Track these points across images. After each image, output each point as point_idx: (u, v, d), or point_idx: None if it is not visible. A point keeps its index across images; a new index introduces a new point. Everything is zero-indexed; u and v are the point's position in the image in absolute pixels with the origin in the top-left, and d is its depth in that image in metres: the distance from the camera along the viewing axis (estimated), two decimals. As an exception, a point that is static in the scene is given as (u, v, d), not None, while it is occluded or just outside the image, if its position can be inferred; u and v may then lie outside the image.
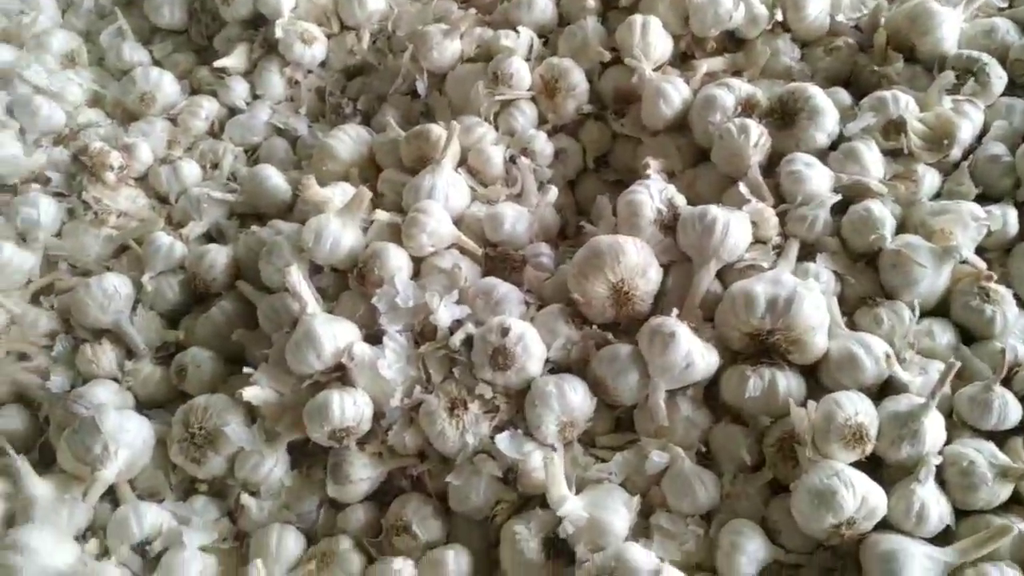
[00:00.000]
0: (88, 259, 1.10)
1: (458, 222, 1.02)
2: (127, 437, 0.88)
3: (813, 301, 0.87)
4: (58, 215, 1.11)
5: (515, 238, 1.02)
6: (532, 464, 0.87)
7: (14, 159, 1.12)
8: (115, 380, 1.01)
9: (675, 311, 0.89)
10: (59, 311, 1.06)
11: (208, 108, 1.26)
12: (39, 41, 1.27)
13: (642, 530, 0.86)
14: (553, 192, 1.07)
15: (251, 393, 0.90)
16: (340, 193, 1.06)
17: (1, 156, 1.11)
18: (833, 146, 1.05)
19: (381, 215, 0.99)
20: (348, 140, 1.15)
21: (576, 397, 0.88)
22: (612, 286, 0.91)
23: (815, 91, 1.05)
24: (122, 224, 1.12)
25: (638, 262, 0.92)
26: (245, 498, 0.92)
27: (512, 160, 1.10)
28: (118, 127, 1.23)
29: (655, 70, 1.12)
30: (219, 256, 1.06)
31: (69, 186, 1.13)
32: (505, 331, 0.89)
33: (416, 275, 0.98)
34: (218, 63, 1.28)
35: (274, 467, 0.92)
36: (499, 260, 1.02)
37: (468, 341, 0.92)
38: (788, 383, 0.88)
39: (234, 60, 1.28)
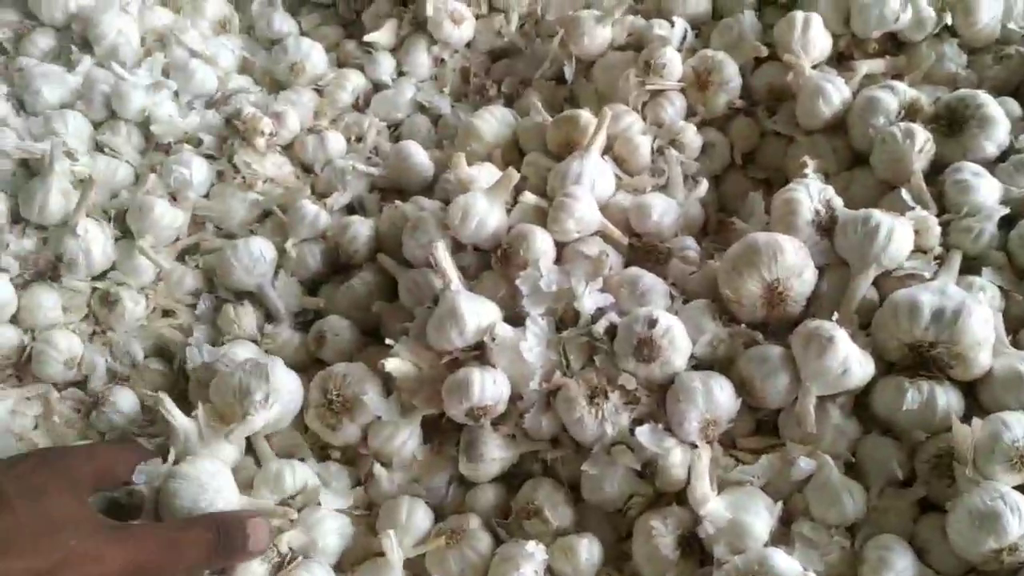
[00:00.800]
0: (233, 222, 1.15)
1: (602, 210, 1.03)
2: (285, 394, 0.91)
3: (981, 315, 0.85)
4: (208, 177, 1.16)
5: (662, 229, 1.02)
6: (672, 460, 0.87)
7: (170, 120, 1.17)
8: (254, 342, 1.06)
9: (835, 315, 0.89)
10: (204, 270, 1.12)
11: (355, 82, 1.30)
12: (195, 6, 1.33)
13: (780, 536, 0.86)
14: (704, 186, 1.07)
15: (392, 364, 0.92)
16: (486, 173, 1.08)
17: (158, 116, 1.17)
18: (1001, 158, 1.04)
19: (529, 197, 1.01)
20: (493, 121, 1.18)
21: (722, 396, 0.88)
22: (766, 285, 0.90)
23: (987, 99, 1.03)
24: (268, 190, 1.16)
25: (795, 262, 0.91)
26: (377, 468, 0.95)
27: (660, 151, 1.11)
28: (267, 95, 1.29)
29: (812, 68, 1.12)
30: (362, 228, 1.09)
31: (220, 149, 1.18)
32: (652, 323, 0.90)
33: (558, 260, 1.00)
34: (367, 38, 1.32)
35: (407, 440, 0.95)
36: (643, 251, 1.02)
37: (611, 330, 0.93)
38: (948, 398, 0.86)
39: (382, 36, 1.32)
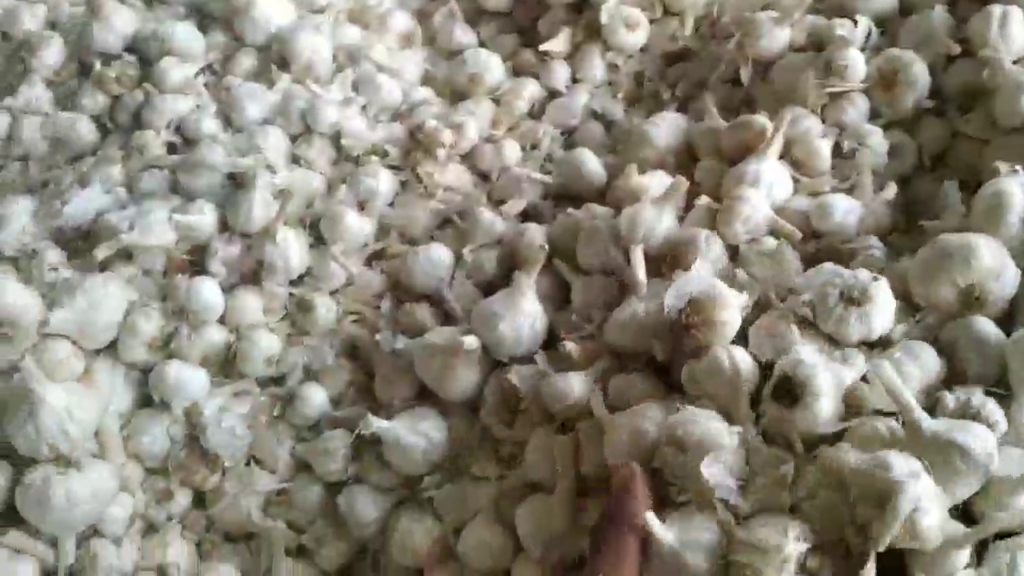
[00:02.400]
0: (416, 229, 1.26)
1: (779, 213, 1.06)
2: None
3: None
4: (393, 187, 1.27)
5: (844, 229, 1.04)
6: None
7: (359, 133, 1.31)
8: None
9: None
10: (388, 274, 1.24)
11: (531, 90, 1.39)
12: (381, 21, 1.46)
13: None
14: (892, 189, 1.07)
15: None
16: (657, 181, 1.15)
17: (348, 129, 1.30)
18: None
19: (704, 200, 1.06)
20: (664, 127, 1.23)
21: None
22: (961, 290, 0.89)
23: None
24: (447, 198, 1.28)
25: (992, 264, 0.88)
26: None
27: (843, 154, 1.13)
28: (447, 106, 1.41)
29: (1012, 64, 1.11)
30: (537, 235, 1.17)
31: (404, 160, 1.31)
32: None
33: (733, 261, 1.05)
34: (543, 47, 1.40)
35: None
36: (825, 252, 1.03)
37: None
38: None
39: (557, 44, 1.40)
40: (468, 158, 1.33)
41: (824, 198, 1.06)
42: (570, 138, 1.38)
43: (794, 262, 1.02)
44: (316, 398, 1.17)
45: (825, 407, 0.81)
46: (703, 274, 0.97)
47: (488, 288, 1.21)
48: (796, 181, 1.12)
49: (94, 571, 1.05)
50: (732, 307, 0.92)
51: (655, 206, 1.07)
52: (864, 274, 0.89)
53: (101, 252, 1.13)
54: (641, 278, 1.00)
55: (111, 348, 1.14)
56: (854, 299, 0.89)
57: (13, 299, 1.05)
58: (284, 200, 1.17)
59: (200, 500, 1.17)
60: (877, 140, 1.14)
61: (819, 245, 1.05)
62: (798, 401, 0.81)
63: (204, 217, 1.19)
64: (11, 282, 1.07)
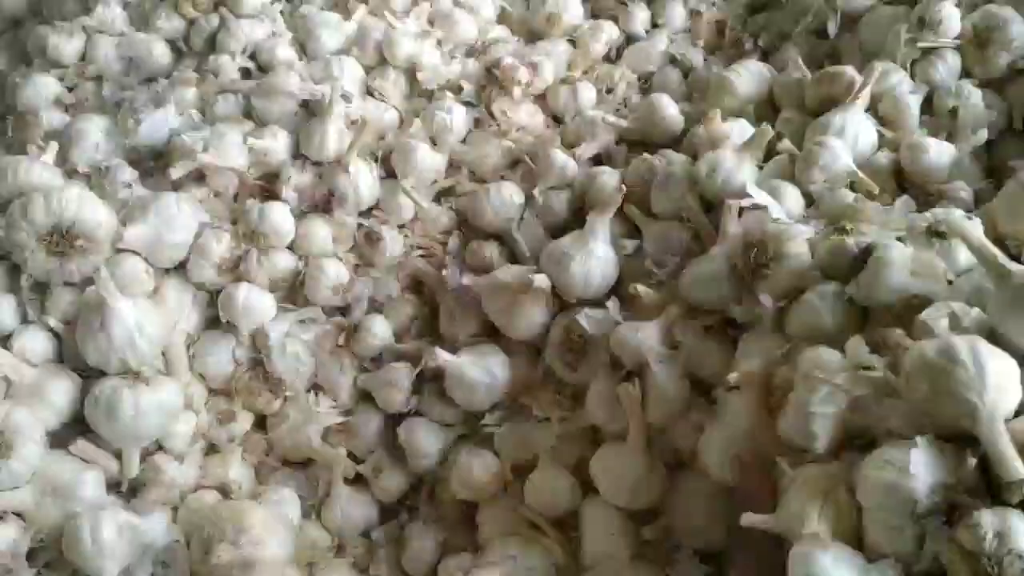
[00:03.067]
0: (487, 167, 1.26)
1: (861, 167, 1.05)
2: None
3: None
4: (466, 123, 1.27)
5: (932, 172, 1.03)
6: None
7: (435, 67, 1.30)
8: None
9: None
10: (456, 211, 1.24)
11: (609, 33, 1.38)
12: (459, -44, 1.47)
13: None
14: (983, 134, 1.07)
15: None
16: (738, 129, 1.14)
17: (425, 63, 1.30)
18: None
19: (786, 144, 1.05)
20: (747, 76, 1.22)
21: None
22: None
23: None
24: (519, 138, 1.27)
25: None
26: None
27: (945, 111, 1.11)
28: (523, 45, 1.40)
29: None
30: (611, 179, 1.16)
31: (478, 97, 1.30)
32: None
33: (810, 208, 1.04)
34: (631, -10, 1.40)
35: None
36: (912, 194, 1.03)
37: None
38: None
39: (639, -14, 1.40)
40: (542, 99, 1.33)
41: (916, 139, 1.05)
42: (647, 84, 1.37)
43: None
44: (380, 329, 1.18)
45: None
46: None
47: (556, 231, 1.21)
48: (881, 137, 1.10)
49: (157, 484, 1.07)
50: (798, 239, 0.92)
51: (737, 154, 1.06)
52: (957, 211, 0.87)
53: (176, 171, 1.15)
54: (734, 229, 0.99)
55: (180, 268, 1.16)
56: (941, 232, 0.87)
57: (92, 213, 1.06)
58: (359, 130, 1.17)
59: (261, 424, 1.18)
60: (975, 99, 1.11)
61: (908, 187, 1.04)
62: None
63: (278, 143, 1.20)
64: (91, 195, 1.08)
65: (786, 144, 1.04)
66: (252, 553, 0.94)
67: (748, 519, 0.72)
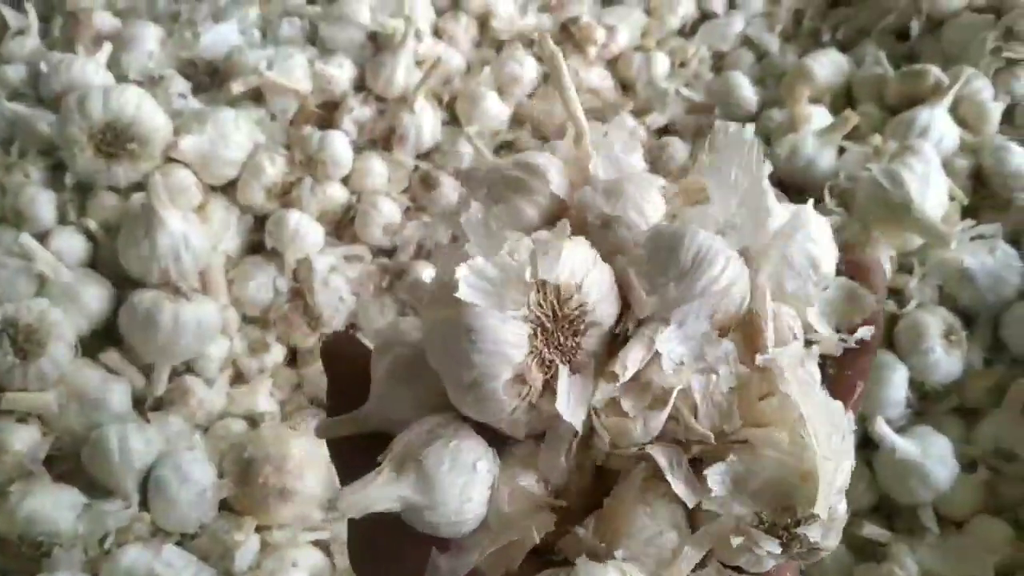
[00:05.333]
0: (551, 125, 1.26)
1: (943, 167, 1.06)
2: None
3: None
4: (536, 78, 1.27)
5: (1015, 177, 1.03)
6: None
7: (509, 17, 1.29)
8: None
9: None
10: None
11: (686, 7, 1.37)
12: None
13: None
14: None
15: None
16: (817, 115, 1.14)
17: (499, 12, 1.29)
18: None
19: (876, 139, 1.06)
20: (829, 64, 1.22)
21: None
22: None
23: None
24: (588, 100, 1.27)
25: None
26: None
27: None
28: (599, 7, 1.39)
29: None
30: (680, 151, 1.17)
31: (550, 53, 1.30)
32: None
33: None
34: (704, -34, 1.40)
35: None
36: (982, 198, 1.05)
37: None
38: None
39: (721, -36, 1.40)
40: (614, 64, 1.32)
41: (1002, 142, 1.05)
42: (720, 62, 1.37)
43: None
44: (426, 276, 1.16)
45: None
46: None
47: (616, 199, 1.21)
48: (963, 140, 1.11)
49: (183, 405, 1.05)
50: None
51: (819, 139, 1.06)
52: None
53: (237, 86, 1.13)
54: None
55: (229, 188, 1.13)
56: None
57: (151, 116, 1.04)
58: (430, 69, 1.16)
59: (293, 359, 1.16)
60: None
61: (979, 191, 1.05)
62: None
63: (343, 72, 1.18)
64: (149, 98, 1.05)
65: (876, 139, 1.04)
66: (293, 483, 0.92)
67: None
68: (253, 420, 1.08)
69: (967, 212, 1.04)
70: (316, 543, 1.00)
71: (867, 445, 0.96)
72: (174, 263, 1.01)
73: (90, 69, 1.12)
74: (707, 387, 0.36)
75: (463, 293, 0.33)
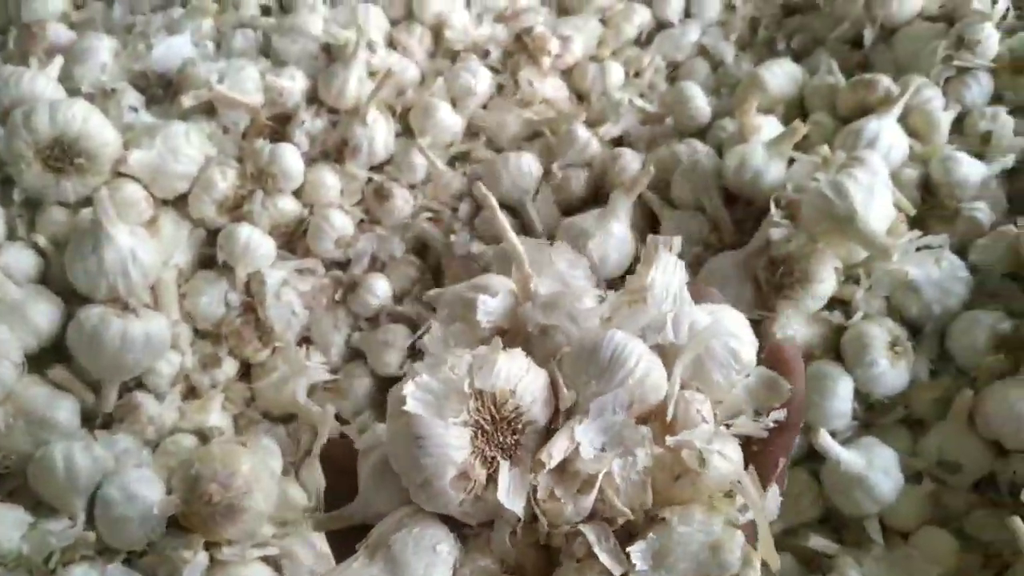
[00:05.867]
0: (505, 136, 1.25)
1: (892, 178, 1.06)
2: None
3: None
4: (490, 88, 1.26)
5: (962, 187, 1.04)
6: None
7: (463, 27, 1.29)
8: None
9: None
10: (470, 177, 1.22)
11: (642, 16, 1.37)
12: (493, -78, 1.45)
13: None
14: (1010, 158, 1.06)
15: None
16: (768, 126, 1.14)
17: (453, 23, 1.29)
18: None
19: (823, 151, 1.06)
20: (781, 75, 1.21)
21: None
22: None
23: None
24: (542, 111, 1.26)
25: None
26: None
27: (978, 133, 1.13)
28: (554, 17, 1.39)
29: None
30: (633, 162, 1.16)
31: (504, 64, 1.30)
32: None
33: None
34: (660, -25, 1.40)
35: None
36: (929, 207, 1.05)
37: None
38: None
39: (676, -26, 1.40)
40: (569, 74, 1.32)
41: (950, 152, 1.06)
42: (674, 72, 1.37)
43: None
44: (380, 289, 1.16)
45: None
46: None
47: (570, 209, 1.21)
48: (912, 150, 1.11)
49: (133, 422, 1.04)
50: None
51: (768, 149, 1.06)
52: None
53: (188, 99, 1.12)
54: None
55: (180, 201, 1.13)
56: None
57: (99, 131, 1.04)
58: (382, 80, 1.15)
59: (246, 373, 1.16)
60: (1009, 125, 1.13)
61: (927, 202, 1.06)
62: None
63: (295, 84, 1.18)
64: (97, 113, 1.05)
65: (824, 150, 1.04)
66: (241, 500, 0.92)
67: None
68: (204, 435, 1.08)
69: (915, 222, 1.05)
70: (266, 559, 0.99)
71: (814, 457, 0.95)
72: (122, 278, 1.01)
73: (40, 83, 1.11)
74: (626, 469, 0.41)
75: (410, 406, 0.40)
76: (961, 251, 1.02)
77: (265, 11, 1.27)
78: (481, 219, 1.18)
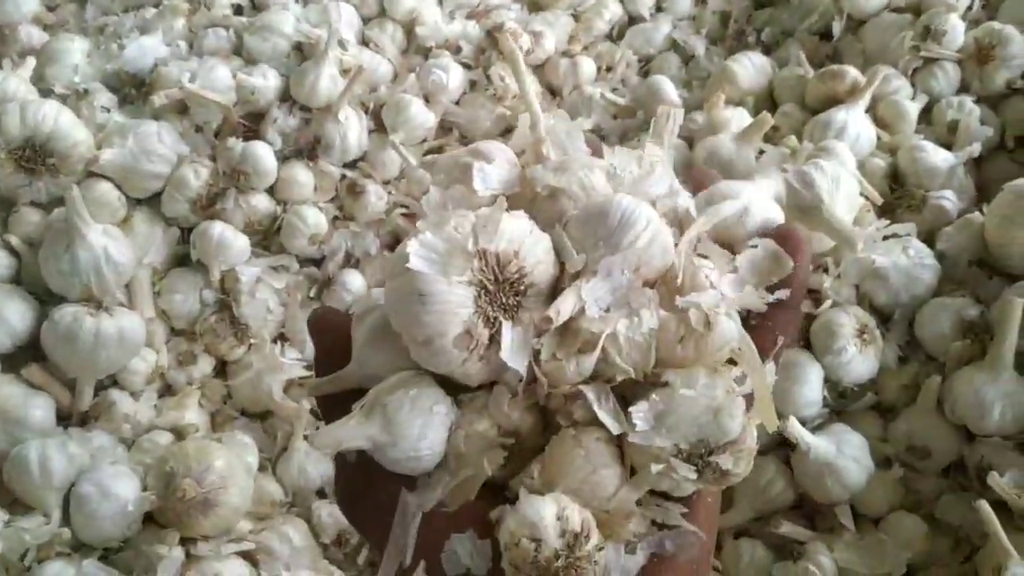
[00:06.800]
0: (478, 131, 1.25)
1: (859, 167, 1.07)
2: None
3: None
4: (462, 84, 1.26)
5: (929, 175, 1.04)
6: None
7: (435, 24, 1.29)
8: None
9: None
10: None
11: (613, 11, 1.37)
12: (465, -83, 1.45)
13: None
14: (977, 147, 1.08)
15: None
16: (737, 118, 1.15)
17: (426, 19, 1.29)
18: None
19: (791, 142, 1.07)
20: (751, 67, 1.22)
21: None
22: None
23: None
24: (514, 106, 1.27)
25: None
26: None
27: (945, 122, 1.13)
28: (526, 13, 1.39)
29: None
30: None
31: (476, 60, 1.30)
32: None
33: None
34: (632, -31, 1.40)
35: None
36: (897, 197, 1.06)
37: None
38: None
39: (647, -32, 1.40)
40: (541, 70, 1.32)
41: (917, 141, 1.06)
42: (646, 66, 1.37)
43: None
44: (354, 285, 1.17)
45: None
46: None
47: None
48: (878, 139, 1.12)
49: (109, 420, 1.04)
50: None
51: (736, 141, 1.07)
52: None
53: (159, 98, 1.12)
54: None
55: (154, 200, 1.13)
56: None
57: (70, 130, 1.03)
58: (353, 77, 1.15)
59: (222, 370, 1.16)
60: (975, 114, 1.13)
61: (894, 188, 1.06)
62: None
63: (267, 82, 1.17)
64: (68, 112, 1.05)
65: (792, 141, 1.05)
66: (215, 495, 0.92)
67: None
68: (181, 433, 1.08)
69: (883, 211, 1.05)
70: (242, 554, 0.99)
71: (785, 444, 0.96)
72: (95, 277, 1.01)
73: (12, 84, 1.11)
74: (631, 329, 0.41)
75: (413, 263, 0.39)
76: (929, 239, 1.02)
77: (237, 10, 1.26)
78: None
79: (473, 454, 0.42)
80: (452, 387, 0.42)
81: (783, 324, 0.45)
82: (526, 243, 0.41)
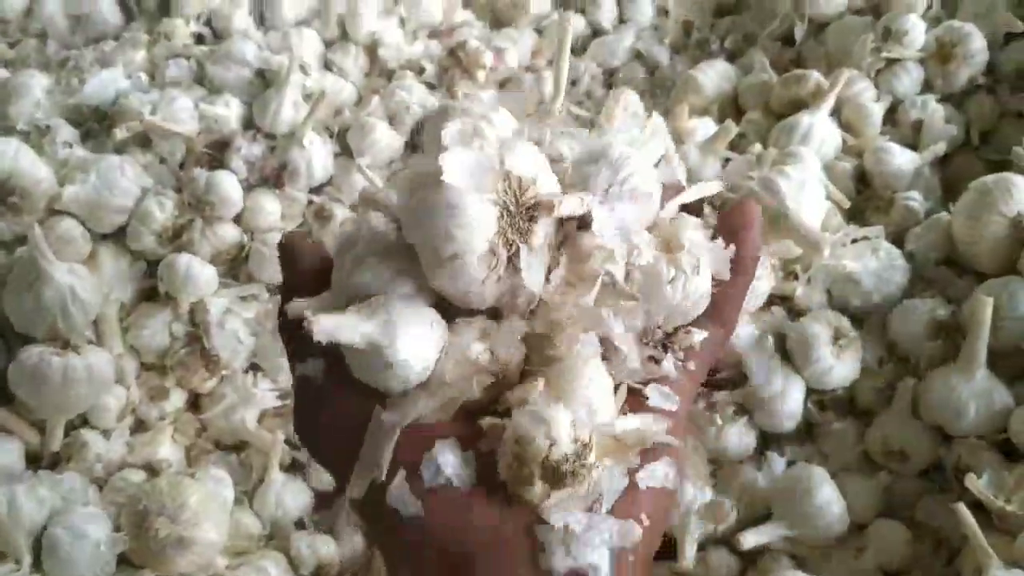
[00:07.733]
0: (443, 151, 1.25)
1: (825, 170, 1.07)
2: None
3: None
4: (426, 105, 1.27)
5: (895, 177, 1.05)
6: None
7: (397, 46, 1.28)
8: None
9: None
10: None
11: (575, 24, 1.38)
12: (424, -62, 1.45)
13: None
14: (941, 146, 1.08)
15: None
16: (702, 127, 1.14)
17: (387, 40, 1.28)
18: None
19: (756, 149, 1.06)
20: (714, 75, 1.22)
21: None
22: (1010, 222, 0.91)
23: None
24: (480, 123, 1.26)
25: None
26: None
27: (909, 122, 1.13)
28: (488, 30, 1.39)
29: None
30: (571, 169, 1.17)
31: (440, 79, 1.30)
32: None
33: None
34: (593, -18, 1.40)
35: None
36: (864, 199, 1.06)
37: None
38: None
39: (607, -20, 1.40)
40: (505, 86, 1.32)
41: (883, 143, 1.06)
42: (611, 78, 1.37)
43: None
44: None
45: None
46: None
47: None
48: (845, 143, 1.11)
49: (81, 460, 1.02)
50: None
51: (700, 151, 1.06)
52: None
53: (121, 131, 1.11)
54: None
55: (119, 234, 1.11)
56: None
57: (31, 168, 1.02)
58: (315, 103, 1.14)
59: (195, 403, 1.14)
60: (939, 113, 1.13)
61: (862, 191, 1.07)
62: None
63: (230, 111, 1.16)
64: (27, 150, 1.03)
65: (757, 148, 1.04)
66: (190, 532, 0.90)
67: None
68: (154, 469, 1.06)
69: (851, 214, 1.05)
70: (220, 590, 0.97)
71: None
72: (62, 316, 0.99)
73: (-28, 123, 1.09)
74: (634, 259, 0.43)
75: (448, 176, 0.38)
76: (897, 240, 1.01)
77: (199, 39, 1.25)
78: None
79: (461, 376, 0.42)
80: (443, 312, 0.42)
81: (741, 290, 0.47)
82: (543, 172, 0.42)
